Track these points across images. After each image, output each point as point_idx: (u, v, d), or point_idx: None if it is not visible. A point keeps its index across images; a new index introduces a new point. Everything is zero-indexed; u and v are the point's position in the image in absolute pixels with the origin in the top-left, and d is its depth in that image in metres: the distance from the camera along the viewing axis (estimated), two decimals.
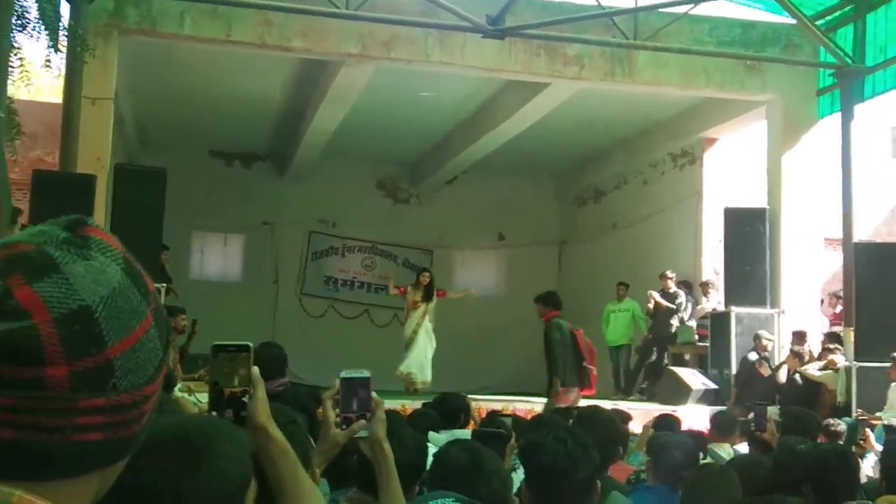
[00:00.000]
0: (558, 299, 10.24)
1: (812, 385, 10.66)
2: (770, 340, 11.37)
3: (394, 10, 10.77)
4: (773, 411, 5.87)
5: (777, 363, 11.29)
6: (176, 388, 6.85)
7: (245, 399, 1.73)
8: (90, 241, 0.89)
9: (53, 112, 10.98)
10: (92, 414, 0.84)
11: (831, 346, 10.74)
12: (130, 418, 0.88)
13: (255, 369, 1.75)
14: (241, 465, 1.25)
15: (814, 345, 11.48)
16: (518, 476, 3.09)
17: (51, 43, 8.55)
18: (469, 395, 7.74)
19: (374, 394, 2.32)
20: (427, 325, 12.57)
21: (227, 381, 1.74)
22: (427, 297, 12.63)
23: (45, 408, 0.83)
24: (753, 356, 11.24)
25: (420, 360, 12.39)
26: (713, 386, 11.46)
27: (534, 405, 10.26)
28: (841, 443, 6.46)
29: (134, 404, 0.88)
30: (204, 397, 1.99)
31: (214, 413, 1.74)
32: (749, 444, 6.12)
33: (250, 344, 1.76)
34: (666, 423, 6.20)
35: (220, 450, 1.25)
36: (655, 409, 10.48)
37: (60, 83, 10.37)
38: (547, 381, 9.95)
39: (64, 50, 9.20)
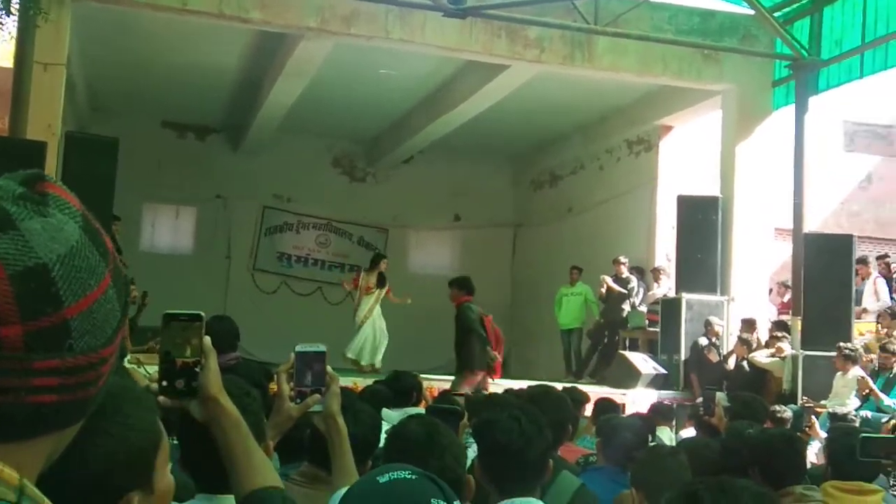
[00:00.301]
0: (472, 285, 10.40)
1: (759, 372, 10.83)
2: (720, 326, 11.53)
3: None
4: (721, 397, 5.94)
5: (726, 350, 11.45)
6: (125, 360, 6.75)
7: (197, 369, 1.70)
8: (48, 198, 0.85)
9: (4, 76, 10.74)
10: (47, 375, 0.81)
11: (779, 335, 10.90)
12: (87, 380, 0.85)
13: (208, 339, 1.72)
14: (146, 425, 1.23)
15: (762, 333, 11.65)
16: (471, 453, 3.09)
17: (3, 6, 8.36)
18: (420, 375, 7.74)
19: (329, 368, 2.30)
20: (378, 309, 12.67)
21: (179, 350, 1.70)
22: (381, 284, 12.70)
23: None
24: (704, 342, 11.39)
25: (367, 344, 12.46)
26: (663, 370, 11.59)
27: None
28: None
29: (90, 366, 0.85)
30: (153, 369, 1.95)
31: (165, 383, 1.71)
32: (697, 429, 6.21)
33: (202, 314, 1.73)
34: (607, 408, 6.26)
35: (125, 410, 1.23)
36: (606, 392, 10.58)
37: (12, 47, 10.15)
38: (458, 363, 10.10)
39: (16, 13, 9.01)
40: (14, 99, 9.62)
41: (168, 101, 15.34)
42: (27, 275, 0.80)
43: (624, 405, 7.14)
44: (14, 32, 9.60)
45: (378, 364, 12.39)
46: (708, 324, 11.46)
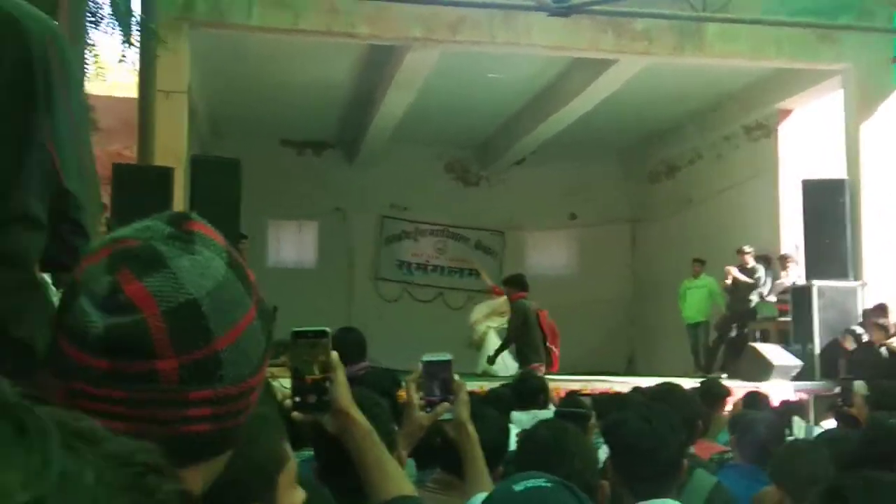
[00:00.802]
0: (525, 281, 10.97)
1: None
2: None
3: None
4: (859, 386, 5.73)
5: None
6: None
7: (326, 384, 1.75)
8: (194, 236, 0.89)
9: (129, 106, 11.20)
10: (201, 405, 0.86)
11: None
12: (236, 409, 0.89)
13: (335, 354, 1.76)
14: (270, 445, 1.28)
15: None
16: (601, 455, 3.07)
17: (124, 38, 8.74)
18: (545, 376, 7.73)
19: (455, 376, 2.33)
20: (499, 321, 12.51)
21: (307, 368, 1.75)
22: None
23: (157, 399, 0.84)
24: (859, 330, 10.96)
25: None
26: (796, 361, 11.24)
27: (611, 384, 10.19)
28: None
29: (240, 395, 0.89)
30: (287, 382, 2.01)
31: (297, 399, 1.76)
32: (836, 420, 6.01)
33: (328, 329, 1.77)
34: (753, 401, 6.11)
35: (252, 427, 1.28)
36: (737, 385, 10.34)
37: (134, 78, 10.60)
38: (519, 358, 10.50)
39: (137, 44, 9.39)
40: (140, 127, 10.04)
41: (285, 120, 15.73)
42: (180, 311, 0.85)
43: (768, 398, 6.91)
44: (136, 63, 10.00)
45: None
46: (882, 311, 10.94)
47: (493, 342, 12.37)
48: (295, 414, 1.73)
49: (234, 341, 0.88)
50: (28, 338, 1.30)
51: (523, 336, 10.55)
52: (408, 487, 1.81)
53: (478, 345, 12.55)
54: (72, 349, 0.85)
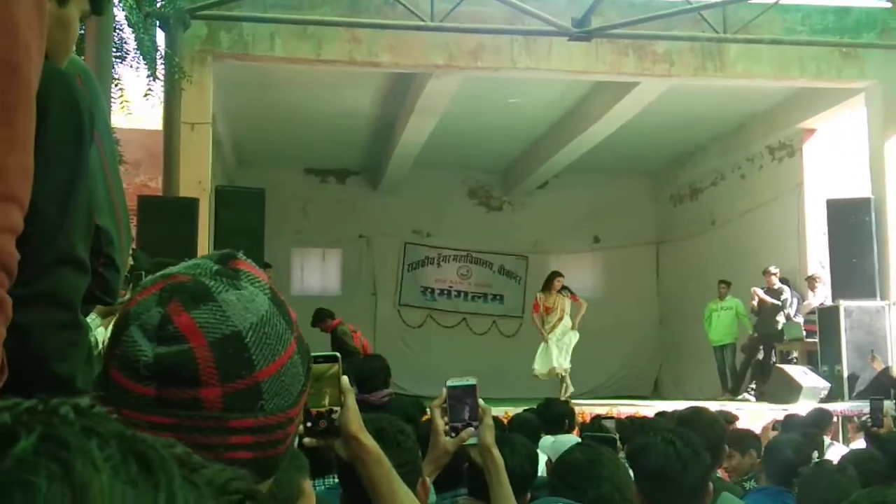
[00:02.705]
0: (330, 311, 11.96)
1: None
2: None
3: (478, 19, 10.80)
4: (889, 406, 5.68)
5: (890, 357, 10.93)
6: None
7: (336, 410, 1.74)
8: (240, 273, 0.94)
9: (154, 139, 11.34)
10: (243, 433, 0.90)
11: None
12: (276, 439, 0.93)
13: (345, 379, 1.77)
14: (286, 479, 1.30)
15: None
16: None
17: (149, 72, 8.86)
18: (571, 400, 7.70)
19: (480, 401, 2.34)
20: (562, 326, 12.16)
21: (315, 401, 1.76)
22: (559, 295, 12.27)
23: (201, 426, 0.88)
24: None
25: (552, 355, 12.05)
26: (824, 382, 11.14)
27: (637, 408, 10.14)
28: None
29: (279, 425, 0.93)
30: None
31: (309, 424, 1.76)
32: (866, 440, 5.95)
33: (338, 355, 1.78)
34: (790, 423, 6.06)
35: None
36: (765, 408, 10.27)
37: (158, 110, 10.74)
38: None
39: (162, 78, 9.52)
40: (166, 159, 10.14)
41: (308, 149, 15.85)
42: (225, 342, 0.89)
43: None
44: (161, 96, 10.13)
45: (567, 369, 11.94)
46: None
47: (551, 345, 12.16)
48: (306, 440, 1.75)
49: (276, 373, 0.92)
50: (69, 375, 1.35)
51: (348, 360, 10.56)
52: None
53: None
54: (121, 377, 0.89)
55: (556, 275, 12.55)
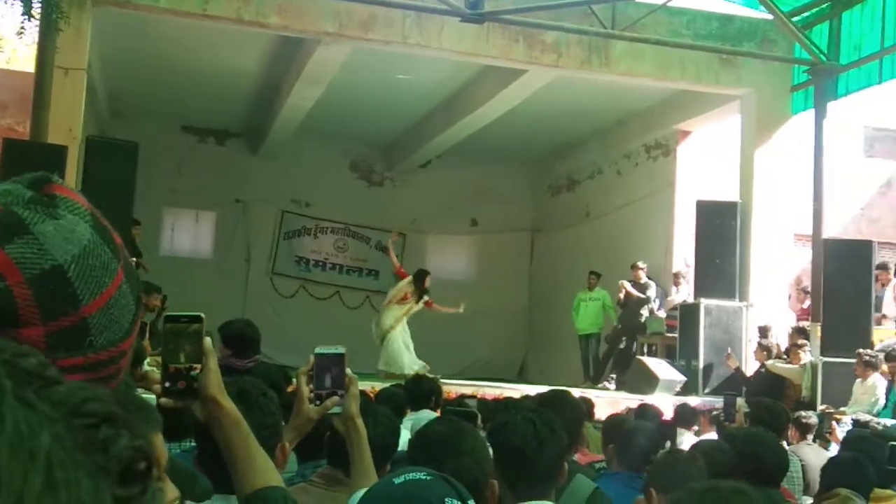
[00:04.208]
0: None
1: (778, 378, 10.78)
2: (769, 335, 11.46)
3: None
4: (741, 402, 5.93)
5: (745, 356, 11.42)
6: (145, 363, 6.80)
7: (194, 372, 1.70)
8: (57, 199, 0.87)
9: (25, 81, 10.84)
10: (71, 372, 0.83)
11: (799, 342, 10.85)
12: (108, 374, 0.88)
13: (208, 340, 1.73)
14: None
15: (781, 339, 11.61)
16: None
17: (24, 10, 8.44)
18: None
19: (348, 370, 2.32)
20: (405, 321, 12.46)
21: (173, 356, 1.71)
22: (419, 298, 12.53)
23: None
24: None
25: (402, 352, 12.22)
26: (681, 376, 11.55)
27: (503, 390, 10.30)
28: (811, 436, 6.57)
29: (111, 360, 0.88)
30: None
31: (167, 384, 1.71)
32: (717, 433, 6.19)
33: (202, 315, 1.73)
34: (646, 413, 6.25)
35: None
36: (623, 397, 10.59)
37: (33, 52, 10.26)
38: None
39: (38, 18, 9.09)
40: (35, 103, 9.70)
41: (188, 106, 15.43)
42: (44, 277, 0.83)
43: (661, 411, 7.09)
44: (36, 38, 9.68)
45: (425, 366, 12.02)
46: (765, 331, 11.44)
47: (399, 338, 12.28)
48: (163, 400, 1.69)
49: (103, 306, 0.87)
50: None
51: None
52: (275, 478, 1.78)
53: (380, 339, 12.41)
54: None
55: (426, 273, 12.70)
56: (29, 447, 0.46)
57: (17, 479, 0.44)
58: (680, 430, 6.85)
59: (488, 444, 2.56)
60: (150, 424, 1.30)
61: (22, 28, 8.40)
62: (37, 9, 8.93)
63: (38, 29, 9.42)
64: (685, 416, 7.73)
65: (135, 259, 10.40)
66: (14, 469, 0.45)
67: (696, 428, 7.76)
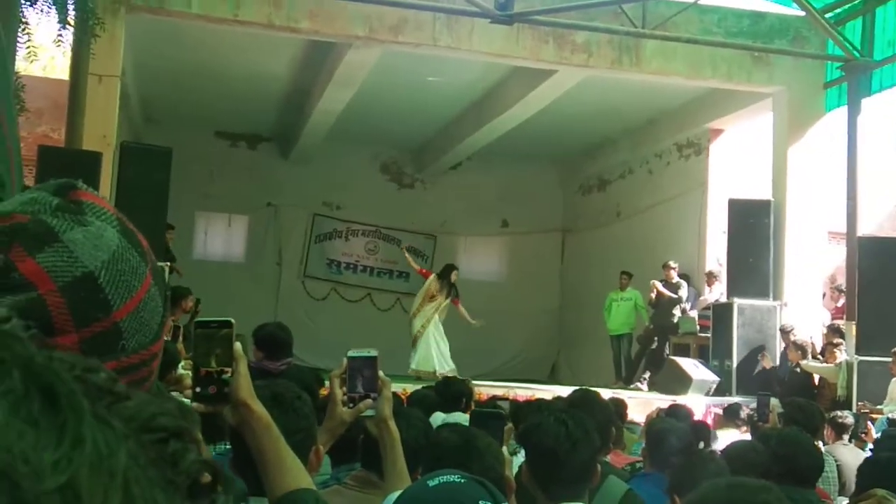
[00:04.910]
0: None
1: (812, 378, 10.69)
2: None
3: None
4: (774, 402, 5.88)
5: (778, 356, 11.33)
6: (180, 366, 6.88)
7: (225, 376, 1.73)
8: (83, 206, 0.88)
9: (60, 88, 10.98)
10: None
11: (835, 341, 10.75)
12: (140, 377, 0.89)
13: (238, 345, 1.75)
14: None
15: (816, 338, 11.50)
16: (519, 460, 3.10)
17: (60, 19, 8.54)
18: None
19: (381, 373, 2.34)
20: (437, 318, 12.50)
21: (204, 360, 1.74)
22: (449, 294, 12.58)
23: None
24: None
25: (433, 352, 12.28)
26: (714, 377, 11.48)
27: (534, 391, 10.29)
28: (846, 436, 6.50)
29: (143, 363, 0.89)
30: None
31: (198, 389, 1.74)
32: (752, 434, 6.15)
33: (231, 320, 1.76)
34: (677, 414, 6.21)
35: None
36: (655, 398, 10.53)
37: (68, 60, 10.37)
38: None
39: (72, 26, 9.19)
40: (70, 110, 9.83)
41: (220, 111, 15.55)
42: (76, 285, 0.84)
43: (691, 411, 6.99)
44: (71, 45, 9.79)
45: (454, 369, 12.04)
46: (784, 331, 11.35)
47: (432, 338, 12.32)
48: (195, 405, 1.72)
49: (134, 310, 0.88)
50: None
51: None
52: (306, 481, 1.80)
53: (415, 339, 12.46)
54: None
55: (453, 268, 12.77)
56: (108, 466, 0.46)
57: (97, 499, 0.44)
58: (727, 429, 6.76)
59: (521, 444, 2.57)
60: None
61: (59, 37, 8.50)
62: (71, 17, 9.04)
63: (72, 36, 9.52)
64: (731, 413, 7.51)
65: (169, 263, 10.50)
66: (95, 489, 0.45)
67: (744, 428, 7.66)
